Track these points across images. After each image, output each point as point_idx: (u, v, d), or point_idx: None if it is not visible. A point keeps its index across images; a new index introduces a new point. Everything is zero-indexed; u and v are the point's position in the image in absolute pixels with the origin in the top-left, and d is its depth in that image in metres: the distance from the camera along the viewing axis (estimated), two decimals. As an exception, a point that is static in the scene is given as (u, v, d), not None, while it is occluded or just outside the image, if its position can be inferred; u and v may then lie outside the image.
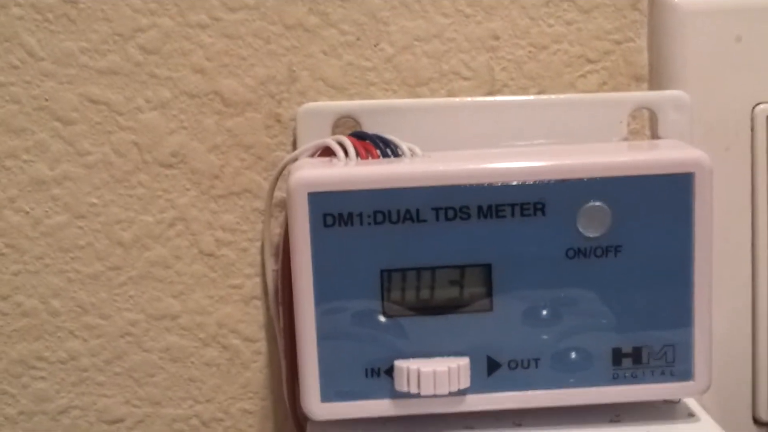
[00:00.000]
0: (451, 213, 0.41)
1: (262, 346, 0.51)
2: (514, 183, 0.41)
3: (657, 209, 0.41)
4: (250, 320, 0.50)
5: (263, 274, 0.50)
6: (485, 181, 0.41)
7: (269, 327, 0.50)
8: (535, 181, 0.41)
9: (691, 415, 0.44)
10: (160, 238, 0.49)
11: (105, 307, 0.50)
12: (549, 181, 0.41)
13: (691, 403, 0.45)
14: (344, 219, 0.41)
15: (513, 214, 0.41)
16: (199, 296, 0.50)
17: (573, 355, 0.43)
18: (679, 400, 0.45)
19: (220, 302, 0.50)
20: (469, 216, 0.41)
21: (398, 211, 0.41)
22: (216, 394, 0.51)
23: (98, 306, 0.50)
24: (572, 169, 0.41)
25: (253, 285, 0.50)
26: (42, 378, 0.50)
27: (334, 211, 0.41)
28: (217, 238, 0.50)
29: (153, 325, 0.50)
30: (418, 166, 0.42)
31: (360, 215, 0.41)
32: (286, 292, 0.45)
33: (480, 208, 0.41)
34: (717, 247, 0.43)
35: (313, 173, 0.41)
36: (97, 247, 0.49)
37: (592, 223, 0.41)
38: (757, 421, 0.51)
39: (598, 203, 0.41)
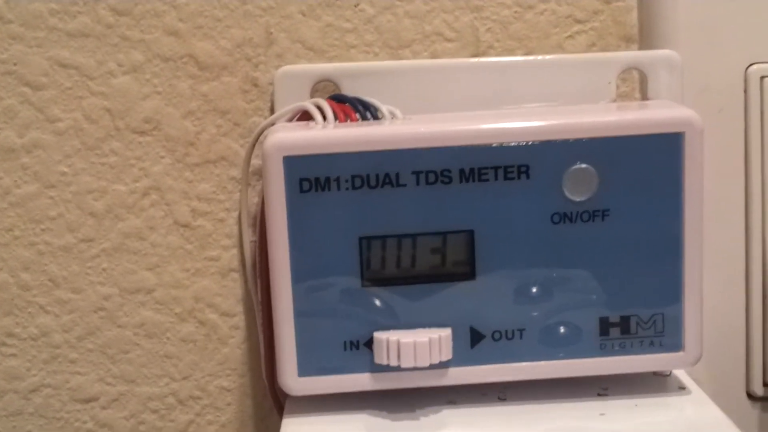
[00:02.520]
0: (431, 177, 0.40)
1: (240, 320, 0.49)
2: (497, 145, 0.39)
3: (645, 171, 0.40)
4: (228, 294, 0.49)
5: (241, 246, 0.48)
6: (467, 143, 0.39)
7: (247, 301, 0.49)
8: (518, 143, 0.39)
9: (681, 388, 0.42)
10: (133, 209, 0.48)
11: (77, 281, 0.48)
12: (533, 142, 0.39)
13: (683, 376, 0.44)
14: (321, 184, 0.40)
15: (496, 178, 0.40)
16: (175, 269, 0.49)
17: (559, 325, 0.41)
18: (670, 372, 0.44)
19: (197, 275, 0.49)
20: (450, 180, 0.40)
21: (377, 176, 0.40)
22: (193, 371, 0.50)
23: (70, 279, 0.48)
24: (557, 130, 0.39)
25: (231, 257, 0.49)
26: (13, 355, 0.49)
27: (310, 176, 0.40)
28: (193, 208, 0.48)
29: (127, 299, 0.49)
30: (398, 128, 0.40)
31: (337, 180, 0.40)
32: (264, 263, 0.44)
33: (462, 171, 0.40)
34: (709, 212, 0.41)
35: (289, 136, 0.40)
36: (69, 218, 0.48)
37: (578, 186, 0.40)
38: (750, 395, 0.50)
39: (584, 165, 0.40)
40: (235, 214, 0.48)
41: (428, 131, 0.40)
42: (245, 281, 0.49)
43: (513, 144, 0.39)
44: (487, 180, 0.40)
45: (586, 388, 0.42)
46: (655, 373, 0.43)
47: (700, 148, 0.39)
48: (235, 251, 0.49)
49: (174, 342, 0.49)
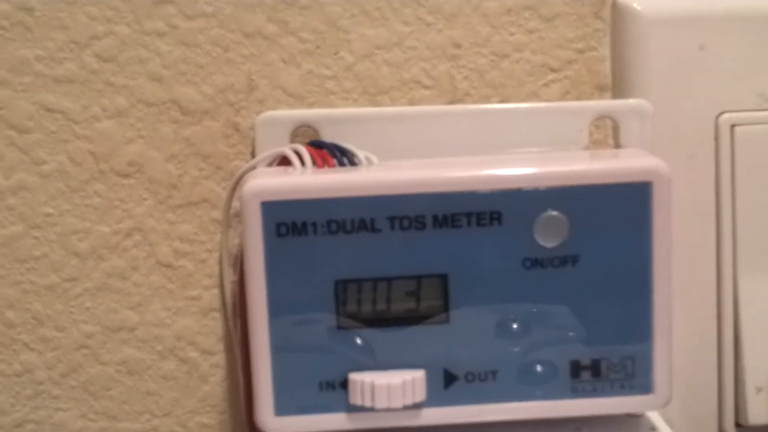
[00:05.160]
0: (406, 223, 0.41)
1: (220, 358, 0.50)
2: (470, 192, 0.40)
3: (615, 219, 0.40)
4: (209, 332, 0.50)
5: (221, 286, 0.49)
6: (440, 190, 0.40)
7: (228, 339, 0.50)
8: (491, 191, 0.40)
9: (652, 429, 0.43)
10: (116, 249, 0.49)
11: (61, 319, 0.49)
12: (505, 190, 0.40)
13: (654, 417, 0.44)
14: (298, 229, 0.41)
15: (469, 224, 0.41)
16: (157, 308, 0.49)
17: (531, 367, 0.42)
18: (642, 413, 0.44)
19: (178, 314, 0.49)
20: (424, 226, 0.41)
21: (353, 221, 0.41)
22: (174, 408, 0.50)
23: (54, 318, 0.49)
24: (528, 178, 0.40)
25: (212, 296, 0.49)
26: (-3, 391, 0.50)
27: (287, 221, 0.40)
28: (175, 249, 0.49)
29: (109, 337, 0.49)
30: (373, 175, 0.41)
31: (314, 225, 0.41)
32: (244, 304, 0.44)
33: (435, 217, 0.41)
34: (682, 257, 0.42)
35: (267, 182, 0.41)
36: (53, 258, 0.48)
37: (549, 233, 0.41)
38: (723, 435, 0.50)
39: (554, 213, 0.40)
40: (217, 254, 0.49)
41: (403, 178, 0.41)
42: (226, 320, 0.49)
43: (486, 191, 0.40)
44: (460, 226, 0.41)
45: (559, 428, 0.43)
46: (627, 414, 0.44)
47: (667, 197, 0.40)
48: (216, 291, 0.49)
49: (155, 379, 0.50)
